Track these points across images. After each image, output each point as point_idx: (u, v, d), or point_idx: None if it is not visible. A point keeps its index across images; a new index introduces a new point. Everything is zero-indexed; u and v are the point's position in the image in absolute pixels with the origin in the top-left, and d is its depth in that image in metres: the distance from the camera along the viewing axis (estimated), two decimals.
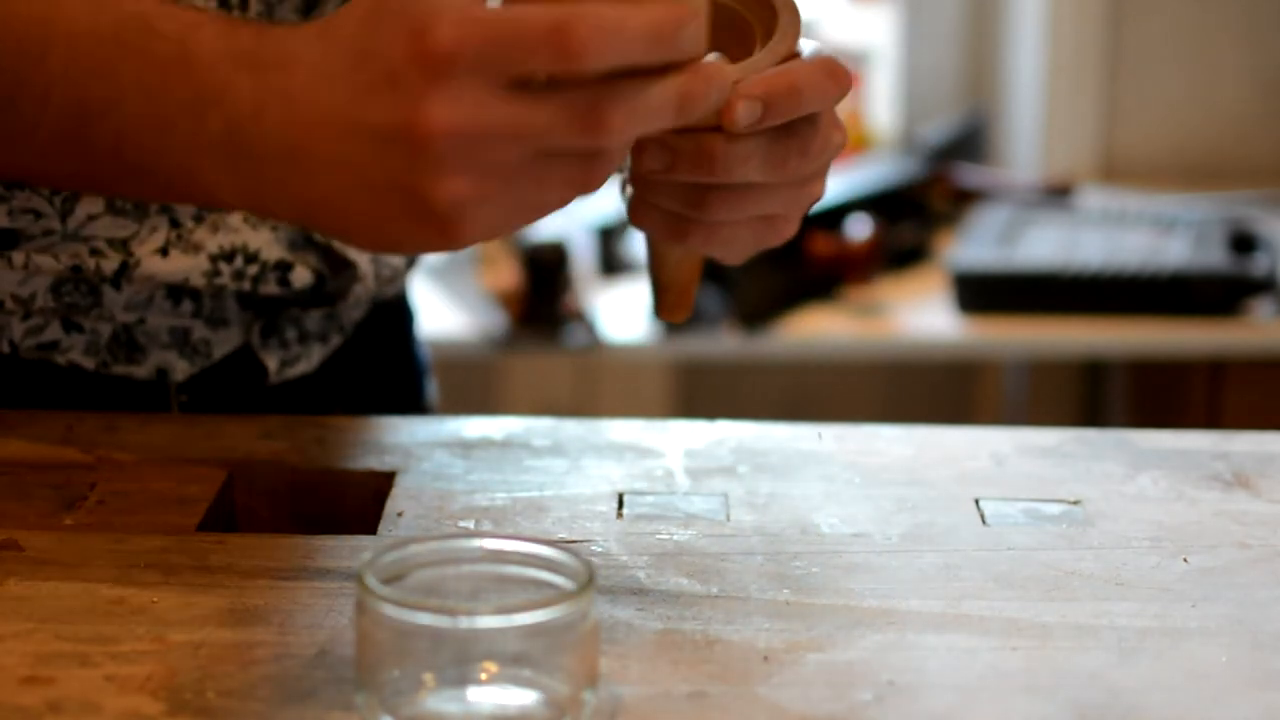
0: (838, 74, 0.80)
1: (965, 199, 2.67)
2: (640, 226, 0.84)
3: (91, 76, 0.78)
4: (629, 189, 0.84)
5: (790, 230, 0.86)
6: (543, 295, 2.32)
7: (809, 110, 0.80)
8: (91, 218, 0.94)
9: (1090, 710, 0.69)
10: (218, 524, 0.84)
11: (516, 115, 0.71)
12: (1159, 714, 0.69)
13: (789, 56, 0.80)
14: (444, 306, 2.40)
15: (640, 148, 0.79)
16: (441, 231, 0.73)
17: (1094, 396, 2.92)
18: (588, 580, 0.67)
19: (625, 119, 0.71)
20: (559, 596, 0.67)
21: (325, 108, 0.73)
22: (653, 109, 0.71)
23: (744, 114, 0.78)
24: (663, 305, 0.88)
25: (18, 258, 0.95)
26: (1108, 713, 0.69)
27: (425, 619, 0.65)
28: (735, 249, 0.85)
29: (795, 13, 0.81)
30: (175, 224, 0.95)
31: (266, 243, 0.97)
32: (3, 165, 0.84)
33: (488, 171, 0.71)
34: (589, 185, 0.73)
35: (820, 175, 0.84)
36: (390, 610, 0.65)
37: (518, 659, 0.66)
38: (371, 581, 0.66)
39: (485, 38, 0.70)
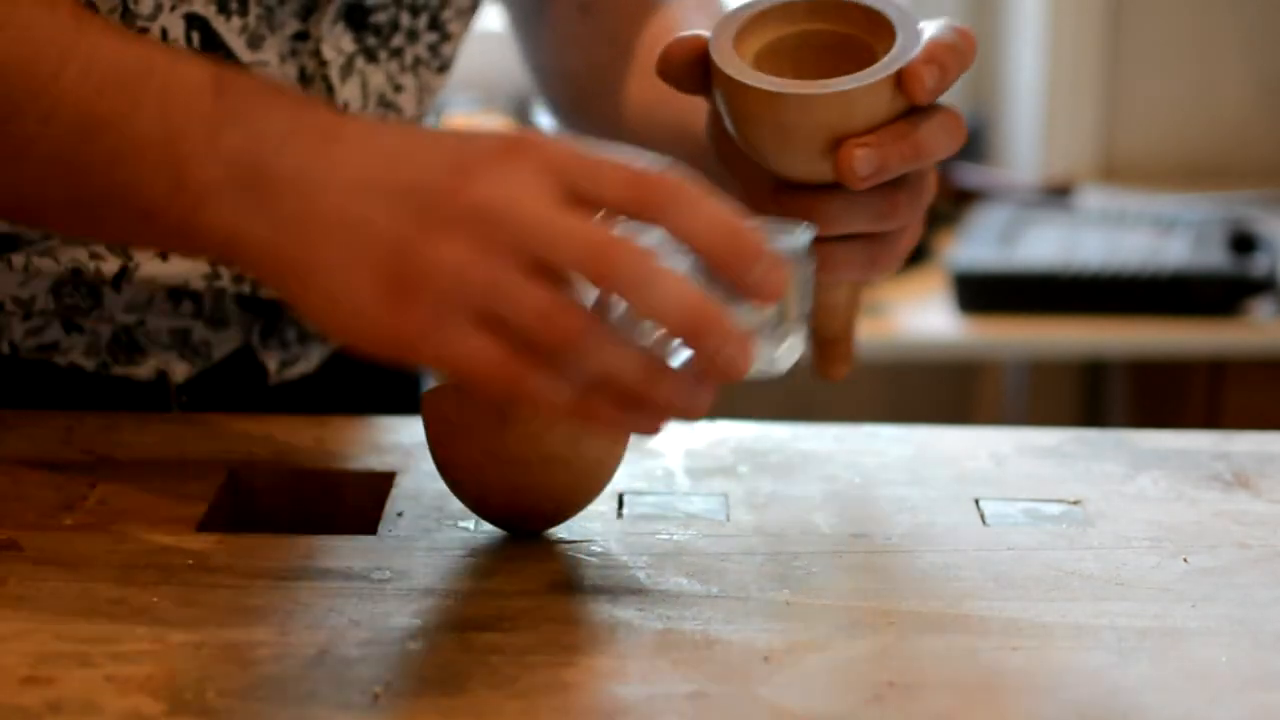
0: (957, 132, 0.82)
1: (965, 199, 2.66)
2: (831, 273, 0.86)
3: (103, 94, 0.76)
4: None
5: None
6: None
7: (925, 164, 0.83)
8: None
9: (1090, 710, 0.69)
10: (218, 524, 0.84)
11: (541, 224, 0.69)
12: (1159, 714, 0.69)
13: (903, 79, 0.80)
14: None
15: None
16: (406, 318, 0.70)
17: (1094, 396, 2.92)
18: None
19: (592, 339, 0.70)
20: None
21: (360, 165, 0.72)
22: (621, 359, 0.71)
23: (862, 163, 0.80)
24: (834, 357, 0.92)
25: (17, 260, 0.95)
26: (1108, 713, 0.69)
27: None
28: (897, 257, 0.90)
29: (914, 32, 0.81)
30: None
31: None
32: None
33: (489, 250, 0.69)
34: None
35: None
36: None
37: None
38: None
39: (572, 157, 0.70)
